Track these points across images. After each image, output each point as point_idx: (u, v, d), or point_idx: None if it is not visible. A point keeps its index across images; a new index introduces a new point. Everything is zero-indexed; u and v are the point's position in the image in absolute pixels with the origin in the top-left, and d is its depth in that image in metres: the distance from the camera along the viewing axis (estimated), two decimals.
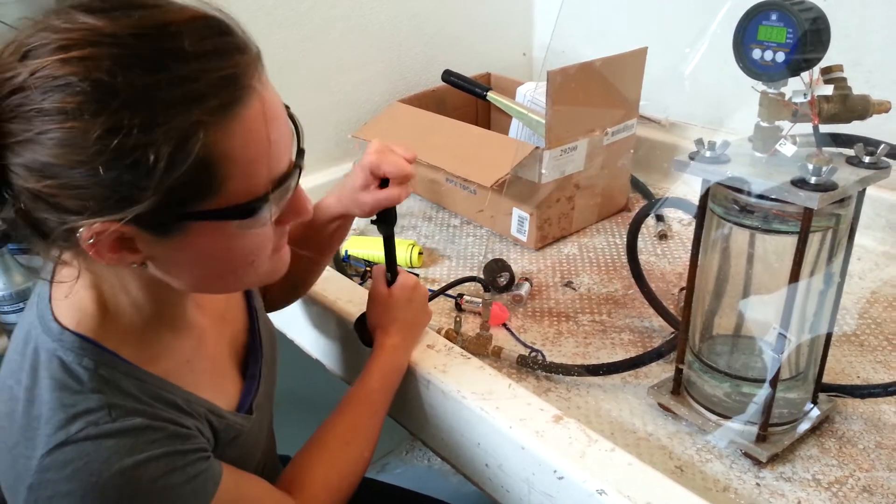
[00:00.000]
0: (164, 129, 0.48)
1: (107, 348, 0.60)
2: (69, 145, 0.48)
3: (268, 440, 0.84)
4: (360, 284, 1.07)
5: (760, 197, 0.70)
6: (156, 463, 0.57)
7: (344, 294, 1.00)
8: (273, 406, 0.86)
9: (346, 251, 1.25)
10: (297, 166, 0.60)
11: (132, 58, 0.48)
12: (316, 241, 0.90)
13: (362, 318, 0.91)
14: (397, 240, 1.22)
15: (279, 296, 0.96)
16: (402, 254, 1.22)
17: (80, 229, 0.51)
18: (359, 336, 0.90)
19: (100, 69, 0.47)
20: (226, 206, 0.54)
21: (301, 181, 0.65)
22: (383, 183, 0.83)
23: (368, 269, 1.20)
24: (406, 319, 0.87)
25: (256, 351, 0.79)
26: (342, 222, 0.89)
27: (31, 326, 0.61)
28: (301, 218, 0.64)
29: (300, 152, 0.61)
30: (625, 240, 1.02)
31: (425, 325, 0.91)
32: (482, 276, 1.14)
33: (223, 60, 0.52)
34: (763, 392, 0.76)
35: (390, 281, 0.89)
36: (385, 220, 0.87)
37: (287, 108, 0.60)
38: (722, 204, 0.75)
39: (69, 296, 0.61)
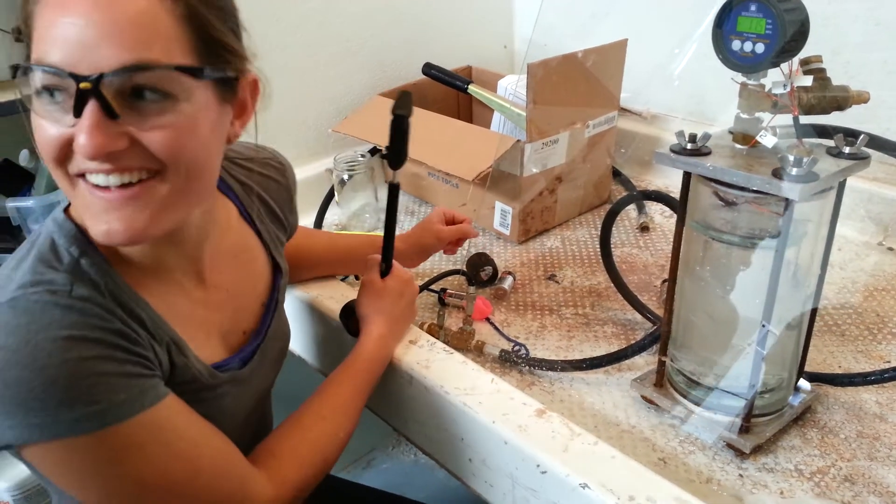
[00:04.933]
0: None
1: (98, 249, 0.63)
2: None
3: (249, 427, 0.83)
4: (342, 280, 1.06)
5: (744, 189, 0.70)
6: (91, 344, 0.58)
7: (326, 291, 0.99)
8: (266, 406, 0.86)
9: None
10: (75, 78, 0.54)
11: None
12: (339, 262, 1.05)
13: (348, 308, 0.90)
14: (377, 234, 1.21)
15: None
16: None
17: None
18: (344, 325, 0.90)
19: None
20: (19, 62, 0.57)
21: None
22: None
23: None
24: (394, 313, 0.87)
25: (261, 335, 0.80)
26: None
27: (47, 220, 0.66)
28: (79, 150, 0.56)
29: (96, 81, 0.54)
30: None
31: (411, 322, 0.91)
32: (467, 268, 1.14)
33: None
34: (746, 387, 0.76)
35: (384, 272, 0.89)
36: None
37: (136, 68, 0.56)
38: (702, 222, 0.76)
39: None
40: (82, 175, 0.58)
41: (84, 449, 0.58)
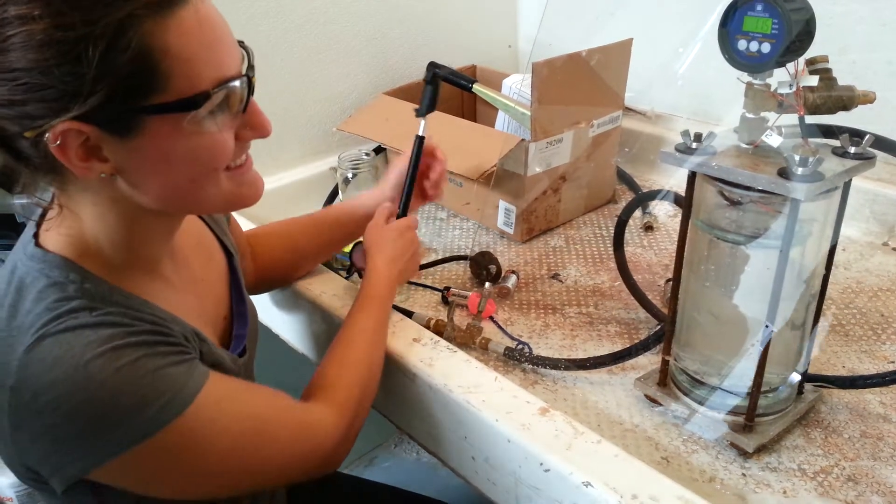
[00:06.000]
0: (102, 22, 0.52)
1: (90, 271, 0.63)
2: (27, 47, 0.52)
3: None
4: (346, 278, 1.06)
5: (749, 189, 0.70)
6: (134, 347, 0.59)
7: (329, 288, 1.00)
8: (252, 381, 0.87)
9: None
10: (246, 76, 0.62)
11: None
12: (331, 239, 1.04)
13: (356, 247, 0.99)
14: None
15: (263, 281, 1.01)
16: None
17: (47, 134, 0.55)
18: (352, 265, 1.01)
19: None
20: (171, 100, 0.57)
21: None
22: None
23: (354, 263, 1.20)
24: (394, 246, 0.93)
25: (243, 315, 0.83)
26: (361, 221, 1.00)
27: (16, 259, 0.64)
28: (259, 134, 0.67)
29: (250, 67, 0.65)
30: (612, 232, 1.02)
31: (410, 264, 0.95)
32: (471, 267, 1.14)
33: None
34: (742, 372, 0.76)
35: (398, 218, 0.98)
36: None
37: (243, 44, 0.65)
38: (707, 221, 0.76)
39: (52, 230, 0.65)
40: (227, 167, 0.65)
41: (164, 443, 0.59)
